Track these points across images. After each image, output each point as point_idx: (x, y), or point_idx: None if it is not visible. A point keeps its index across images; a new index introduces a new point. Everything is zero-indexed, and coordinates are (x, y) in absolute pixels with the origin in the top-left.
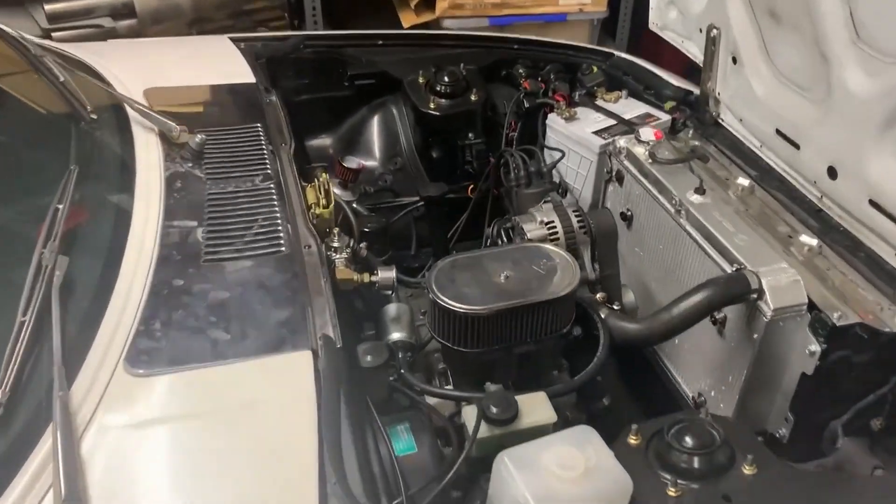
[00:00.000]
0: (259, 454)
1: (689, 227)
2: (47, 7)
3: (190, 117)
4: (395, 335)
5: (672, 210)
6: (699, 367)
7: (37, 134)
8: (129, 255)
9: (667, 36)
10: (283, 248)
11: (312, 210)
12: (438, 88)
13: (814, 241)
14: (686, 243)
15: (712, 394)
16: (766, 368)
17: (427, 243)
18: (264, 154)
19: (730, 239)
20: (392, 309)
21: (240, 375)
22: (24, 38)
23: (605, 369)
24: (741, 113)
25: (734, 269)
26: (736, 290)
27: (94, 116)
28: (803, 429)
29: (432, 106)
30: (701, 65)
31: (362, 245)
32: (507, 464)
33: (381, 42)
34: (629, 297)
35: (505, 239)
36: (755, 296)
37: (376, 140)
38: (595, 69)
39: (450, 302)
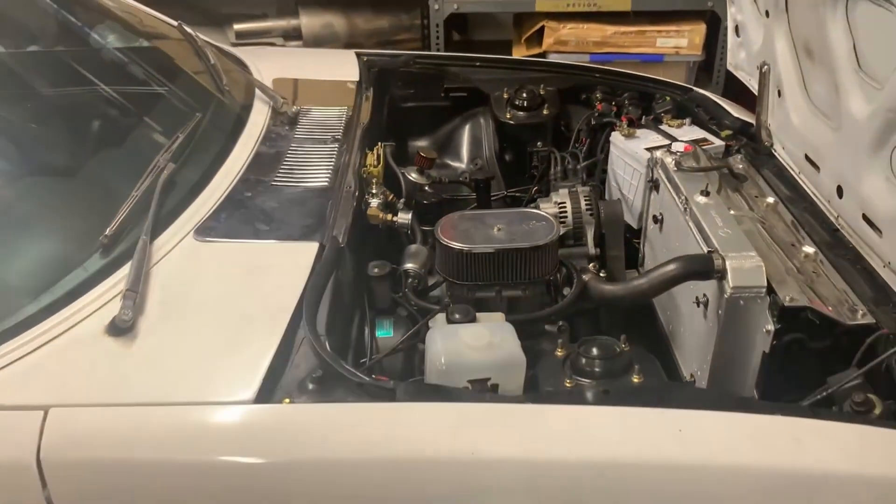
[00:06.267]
0: (256, 293)
1: (690, 224)
2: (236, 27)
3: (299, 97)
4: (409, 265)
5: (681, 208)
6: (692, 349)
7: (186, 96)
8: (220, 173)
9: (739, 75)
10: (327, 183)
11: (366, 168)
12: (517, 102)
13: (811, 250)
14: (689, 239)
15: (698, 373)
16: (735, 349)
17: None
18: (341, 127)
19: (714, 231)
20: (412, 248)
21: (265, 249)
22: (197, 36)
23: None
24: (784, 141)
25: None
26: (700, 268)
27: (228, 89)
28: None
29: (508, 116)
30: None
31: (401, 200)
32: (435, 333)
33: (478, 63)
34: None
35: None
36: (719, 275)
37: (464, 145)
38: (668, 98)
39: (450, 242)
